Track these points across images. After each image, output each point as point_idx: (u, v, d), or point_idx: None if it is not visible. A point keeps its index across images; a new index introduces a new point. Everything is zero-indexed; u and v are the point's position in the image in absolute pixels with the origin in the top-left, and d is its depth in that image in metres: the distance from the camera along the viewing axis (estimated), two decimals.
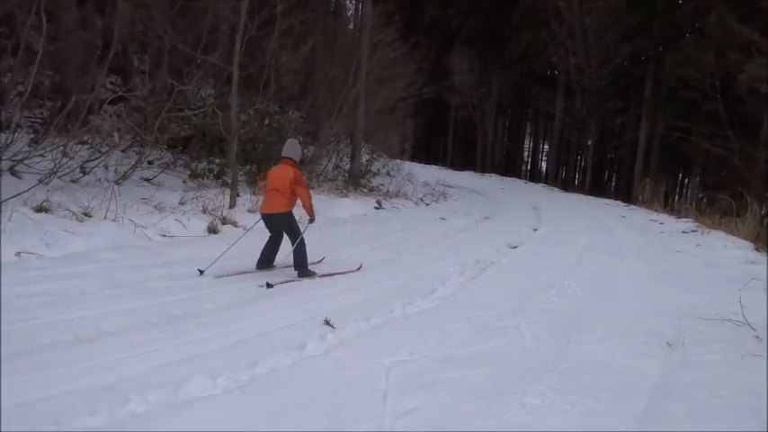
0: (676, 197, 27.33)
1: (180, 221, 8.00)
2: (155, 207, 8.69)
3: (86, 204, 7.61)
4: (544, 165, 43.85)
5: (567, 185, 32.44)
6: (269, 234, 6.38)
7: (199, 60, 10.80)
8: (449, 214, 13.36)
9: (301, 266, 6.04)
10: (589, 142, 26.47)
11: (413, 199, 15.69)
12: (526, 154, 47.00)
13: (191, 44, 11.19)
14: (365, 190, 15.57)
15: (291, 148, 6.36)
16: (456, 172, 37.97)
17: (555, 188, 29.14)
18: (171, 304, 4.70)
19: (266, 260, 6.23)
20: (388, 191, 15.93)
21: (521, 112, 41.38)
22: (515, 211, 15.93)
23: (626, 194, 28.62)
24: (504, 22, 33.85)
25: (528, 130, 46.02)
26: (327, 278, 6.11)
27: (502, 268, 7.49)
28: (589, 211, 17.18)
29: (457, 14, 38.55)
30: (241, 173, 13.07)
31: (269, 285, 5.38)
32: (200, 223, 8.21)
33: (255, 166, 12.60)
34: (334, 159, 16.48)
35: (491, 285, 6.41)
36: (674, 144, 26.49)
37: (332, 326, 4.45)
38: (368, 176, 16.54)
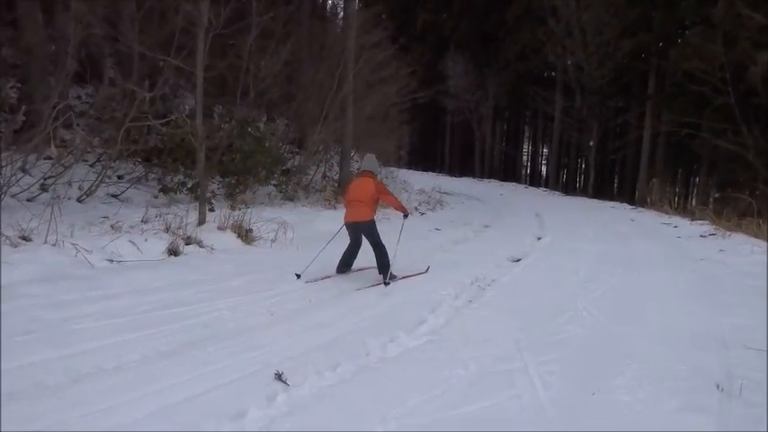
0: (688, 197, 26.22)
1: (134, 243, 6.98)
2: (111, 227, 7.69)
3: (25, 227, 6.61)
4: (544, 168, 42.87)
5: (568, 189, 31.41)
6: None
7: (161, 64, 9.80)
8: (445, 224, 12.35)
9: (385, 269, 6.46)
10: (591, 143, 25.45)
11: (407, 208, 14.64)
12: (525, 158, 46.05)
13: (160, 48, 10.23)
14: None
15: (370, 162, 6.97)
16: (454, 178, 37.00)
17: (556, 192, 28.14)
18: (86, 355, 3.68)
19: (346, 264, 6.76)
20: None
21: (519, 115, 40.43)
22: (516, 218, 14.91)
23: (631, 196, 27.60)
24: (499, 24, 32.97)
25: (527, 134, 45.08)
26: (298, 310, 5.10)
27: (504, 288, 6.46)
28: (595, 216, 16.15)
29: (449, 18, 37.73)
30: (218, 186, 12.12)
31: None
32: (160, 244, 7.18)
33: (235, 178, 11.62)
34: (322, 168, 15.47)
35: (492, 312, 5.37)
36: (682, 142, 25.51)
37: (285, 381, 3.42)
38: None
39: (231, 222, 8.44)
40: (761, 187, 15.07)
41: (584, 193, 27.21)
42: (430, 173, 42.69)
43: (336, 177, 15.36)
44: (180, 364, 3.65)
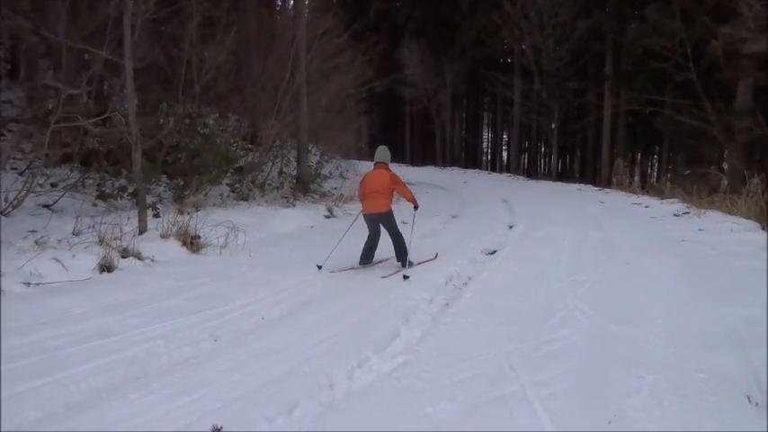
0: (653, 176, 26.17)
1: (59, 260, 6.07)
2: (36, 242, 6.75)
3: None
4: (505, 154, 42.68)
5: (531, 173, 31.20)
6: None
7: (87, 56, 8.80)
8: (410, 216, 11.66)
9: (403, 257, 6.61)
10: (553, 126, 25.12)
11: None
12: (486, 145, 45.81)
13: (90, 40, 9.19)
14: (316, 196, 13.78)
15: (382, 153, 7.08)
16: (416, 168, 36.40)
17: (520, 177, 27.82)
18: None
19: (368, 256, 6.86)
20: (341, 195, 14.15)
21: (478, 102, 40.10)
22: (484, 205, 14.34)
23: (595, 178, 27.47)
24: (454, 9, 32.39)
25: (486, 120, 44.81)
26: (249, 332, 4.32)
27: (482, 287, 5.80)
28: (564, 199, 15.72)
29: (403, 6, 37.01)
30: (165, 189, 11.16)
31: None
32: (90, 260, 6.27)
33: (183, 179, 10.69)
34: (278, 164, 14.61)
35: (473, 318, 4.69)
36: (642, 120, 25.45)
37: None
38: (318, 181, 14.73)
39: (176, 229, 7.56)
40: (731, 162, 14.86)
41: (547, 176, 26.98)
42: (392, 164, 42.06)
43: (294, 173, 14.52)
44: (90, 421, 2.85)
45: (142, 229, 7.75)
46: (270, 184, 13.61)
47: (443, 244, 8.46)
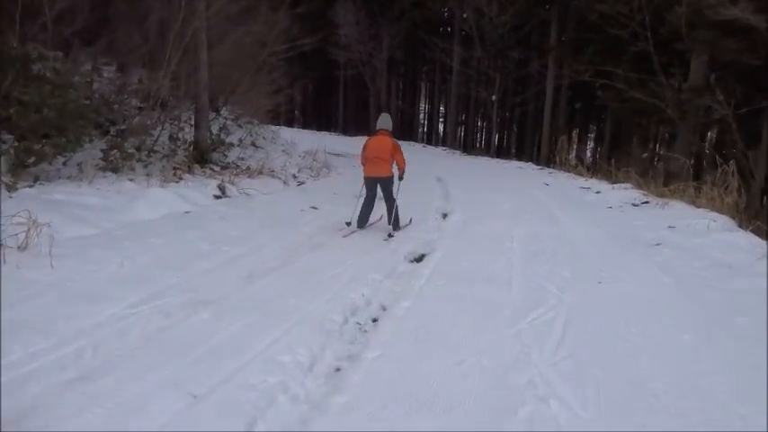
0: (595, 157, 24.96)
1: None
2: None
3: None
4: (441, 127, 40.93)
5: (467, 148, 29.54)
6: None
7: None
8: (326, 197, 9.52)
9: (396, 222, 7.07)
10: (493, 97, 23.36)
11: (281, 176, 11.68)
12: (423, 116, 43.91)
13: None
14: (216, 168, 11.36)
15: (385, 120, 7.46)
16: (349, 138, 34.02)
17: (456, 152, 26.05)
18: None
19: (364, 219, 7.17)
20: (248, 167, 11.80)
21: (415, 70, 37.94)
22: (415, 184, 12.24)
23: (534, 155, 26.12)
24: None
25: (423, 91, 42.83)
26: None
27: (399, 332, 3.74)
28: (506, 180, 13.98)
29: None
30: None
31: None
32: None
33: (22, 143, 8.06)
34: (168, 128, 12.00)
35: (380, 408, 2.65)
36: (584, 96, 24.12)
37: None
38: (222, 149, 12.27)
39: None
40: (682, 144, 13.47)
41: (485, 152, 25.36)
42: (324, 133, 39.50)
43: (190, 139, 11.97)
44: None
45: None
46: (157, 152, 11.07)
47: (356, 242, 6.40)
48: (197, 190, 8.74)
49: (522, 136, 32.02)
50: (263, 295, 4.25)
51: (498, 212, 8.68)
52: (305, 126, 45.03)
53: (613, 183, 12.76)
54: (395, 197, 7.13)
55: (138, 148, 10.47)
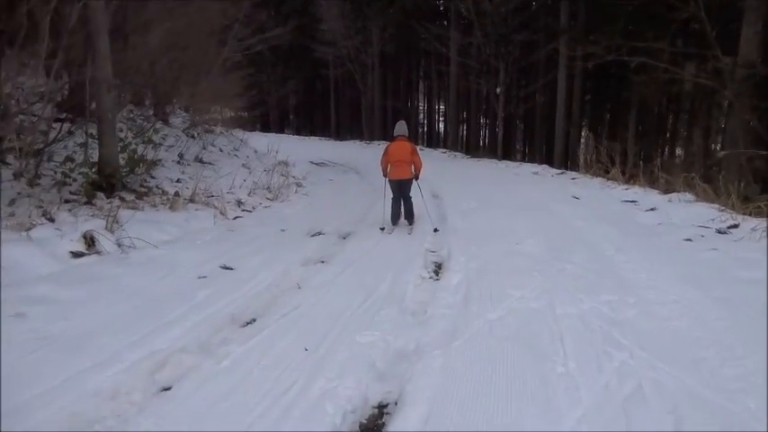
0: (627, 156, 21.67)
1: None
2: None
3: None
4: (442, 126, 37.76)
5: (471, 149, 26.39)
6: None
7: None
8: (263, 242, 6.43)
9: (413, 217, 7.74)
10: (498, 90, 20.15)
11: (219, 205, 8.58)
12: (422, 116, 40.73)
13: None
14: (130, 197, 8.32)
15: (402, 127, 8.03)
16: (339, 143, 30.98)
17: (458, 154, 22.88)
18: None
19: (397, 216, 7.78)
20: (176, 194, 8.73)
21: (410, 65, 34.75)
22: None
23: (546, 156, 22.93)
24: None
25: (421, 88, 39.64)
26: None
27: None
28: (520, 192, 10.82)
29: None
30: None
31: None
32: None
33: None
34: (70, 142, 8.87)
35: None
36: (602, 85, 20.97)
37: None
38: (138, 171, 9.19)
39: None
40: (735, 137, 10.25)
41: (491, 153, 22.17)
42: (314, 138, 36.40)
43: (92, 159, 8.81)
44: None
45: None
46: (53, 179, 8.01)
47: (272, 360, 3.27)
48: (57, 241, 5.65)
49: (530, 134, 28.84)
50: None
51: (520, 258, 5.54)
52: (298, 131, 41.92)
53: (665, 192, 9.62)
54: (411, 196, 7.76)
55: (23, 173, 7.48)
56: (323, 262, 5.67)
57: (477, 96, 27.28)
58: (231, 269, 5.20)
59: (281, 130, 42.92)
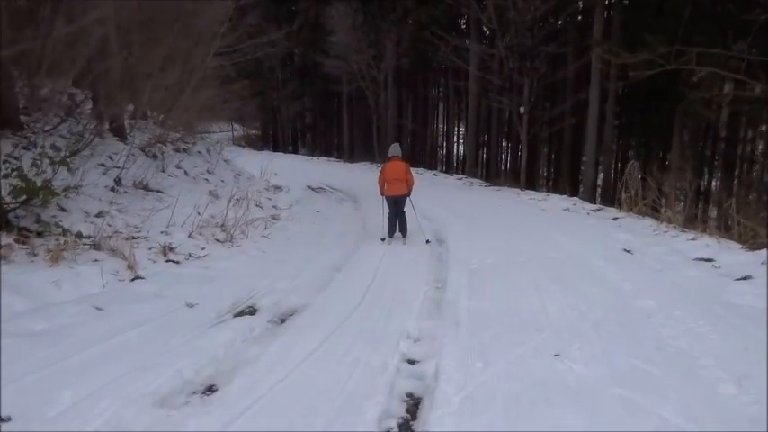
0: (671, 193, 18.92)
1: None
2: None
3: None
4: (461, 149, 35.22)
5: (490, 175, 23.89)
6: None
7: None
8: (129, 339, 4.03)
9: (406, 231, 8.47)
10: (521, 109, 17.71)
11: (136, 252, 6.23)
12: (441, 138, 38.23)
13: None
14: (6, 242, 6.04)
15: (395, 149, 8.92)
16: (348, 165, 28.65)
17: (476, 181, 20.39)
18: None
19: (394, 230, 8.47)
20: (78, 235, 6.42)
21: (426, 82, 32.44)
22: (396, 265, 6.85)
23: (572, 186, 20.36)
24: None
25: (439, 108, 37.21)
26: None
27: None
28: (551, 239, 8.30)
29: None
30: None
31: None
32: None
33: None
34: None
35: None
36: (637, 108, 18.44)
37: None
38: (36, 203, 6.86)
39: None
40: None
41: (513, 180, 19.65)
42: (324, 159, 34.21)
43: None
44: None
45: None
46: None
47: None
48: None
49: (556, 160, 26.26)
50: None
51: (562, 400, 3.08)
52: (313, 151, 39.71)
53: (749, 246, 7.06)
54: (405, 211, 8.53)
55: None
56: (211, 391, 3.25)
57: (498, 117, 24.86)
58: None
59: (295, 150, 40.87)
